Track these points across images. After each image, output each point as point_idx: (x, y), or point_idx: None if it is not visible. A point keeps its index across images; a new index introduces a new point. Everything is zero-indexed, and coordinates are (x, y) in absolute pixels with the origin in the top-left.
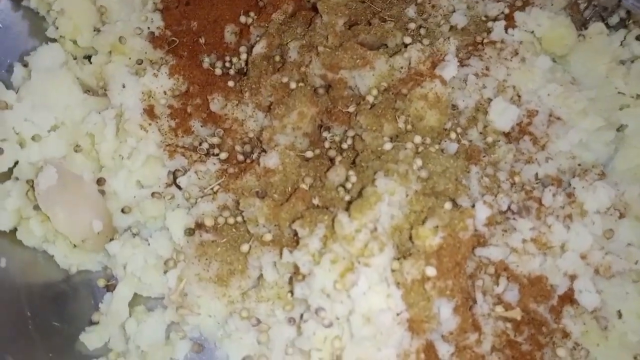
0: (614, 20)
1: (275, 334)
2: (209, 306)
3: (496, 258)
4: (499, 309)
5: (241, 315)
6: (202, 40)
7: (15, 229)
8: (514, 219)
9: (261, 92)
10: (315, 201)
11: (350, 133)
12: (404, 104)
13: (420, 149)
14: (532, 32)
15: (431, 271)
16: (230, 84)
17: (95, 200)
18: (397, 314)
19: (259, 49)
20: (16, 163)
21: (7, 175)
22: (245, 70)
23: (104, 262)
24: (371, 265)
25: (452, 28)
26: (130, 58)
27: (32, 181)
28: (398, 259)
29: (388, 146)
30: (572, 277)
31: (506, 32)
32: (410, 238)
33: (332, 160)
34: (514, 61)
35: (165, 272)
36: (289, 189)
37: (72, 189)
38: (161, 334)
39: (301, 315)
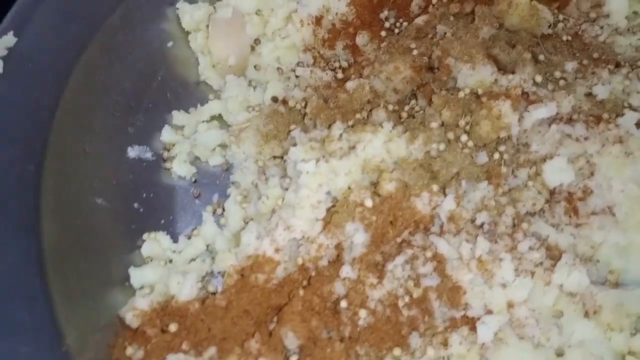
0: None
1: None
2: (248, 147)
3: (441, 250)
4: (409, 283)
5: (258, 163)
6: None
7: (189, 33)
8: (479, 235)
9: (395, 46)
10: (350, 122)
11: (426, 108)
12: (475, 109)
13: (456, 143)
14: None
15: (368, 202)
16: (383, 33)
17: (244, 49)
18: (318, 202)
19: (420, 20)
20: None
21: (212, 1)
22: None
23: (221, 86)
24: (329, 162)
25: (589, 95)
26: None
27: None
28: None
29: (434, 125)
30: (487, 311)
31: (637, 128)
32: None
33: (400, 118)
34: (615, 147)
35: (245, 110)
36: (345, 108)
37: (235, 31)
38: (213, 144)
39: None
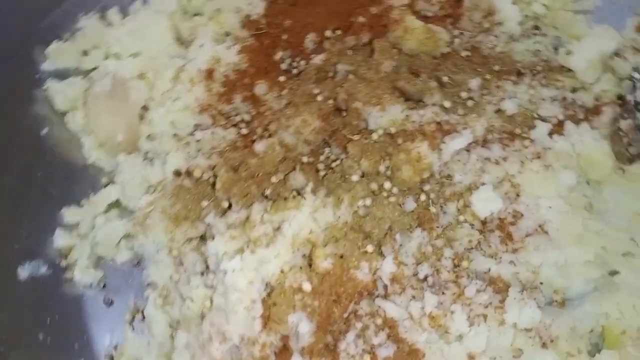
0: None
1: (183, 280)
2: (157, 235)
3: (390, 314)
4: (366, 357)
5: (172, 253)
6: (285, 37)
7: (65, 114)
8: (425, 289)
9: (297, 94)
10: (267, 192)
11: (343, 157)
12: (393, 152)
13: (380, 194)
14: (573, 145)
15: (306, 286)
16: (281, 79)
17: (130, 120)
18: (252, 301)
19: (318, 60)
20: (94, 69)
21: (84, 74)
22: None
23: (114, 167)
24: (255, 253)
25: (498, 111)
26: (221, 28)
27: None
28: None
29: (355, 178)
30: None
31: (550, 137)
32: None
33: (317, 171)
34: (534, 163)
35: (145, 193)
36: (258, 174)
37: (118, 103)
38: (116, 237)
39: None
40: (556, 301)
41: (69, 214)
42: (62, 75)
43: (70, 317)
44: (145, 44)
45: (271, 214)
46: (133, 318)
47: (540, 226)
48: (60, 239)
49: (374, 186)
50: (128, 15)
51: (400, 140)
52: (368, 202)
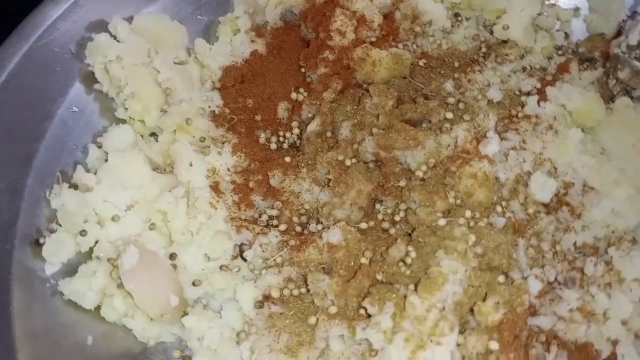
0: (638, 92)
1: None
2: None
3: (546, 327)
4: None
5: None
6: (257, 117)
7: (99, 307)
8: (560, 289)
9: (317, 167)
10: (379, 276)
11: (403, 206)
12: (453, 181)
13: (471, 224)
14: (563, 105)
15: (494, 345)
16: (287, 159)
17: (170, 275)
18: None
19: (313, 126)
20: (96, 242)
21: (89, 254)
22: (297, 144)
23: (179, 333)
24: (443, 343)
25: (489, 102)
26: (194, 136)
27: (114, 260)
28: (461, 332)
29: (442, 222)
30: (614, 343)
31: (539, 105)
32: (472, 312)
33: (385, 231)
34: (548, 134)
35: (237, 343)
36: (352, 263)
37: (150, 266)
38: None
39: None
40: (629, 241)
41: None
42: (70, 271)
43: None
44: (132, 190)
45: (426, 298)
46: None
47: (584, 185)
48: None
49: (462, 221)
50: (95, 169)
51: (454, 168)
52: (473, 238)
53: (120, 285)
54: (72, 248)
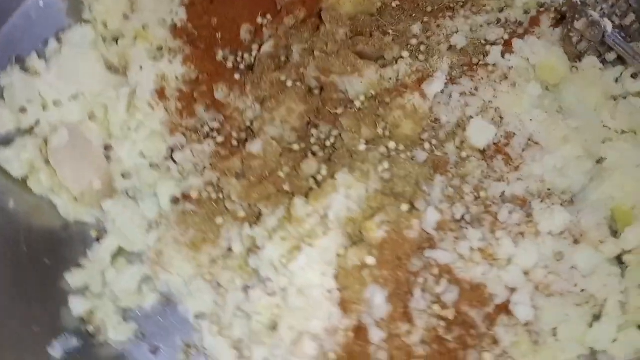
0: (611, 56)
1: (231, 298)
2: (180, 267)
3: (442, 261)
4: (436, 308)
5: (205, 278)
6: (219, 35)
7: (27, 177)
8: (466, 228)
9: (261, 86)
10: (286, 187)
11: (334, 132)
12: (385, 112)
13: (392, 154)
14: (527, 59)
15: (370, 260)
16: (237, 76)
17: (99, 163)
18: (328, 291)
19: (267, 48)
20: (37, 122)
21: (29, 132)
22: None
23: (99, 216)
24: (314, 245)
25: (451, 47)
26: (152, 44)
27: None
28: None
29: (362, 147)
30: (512, 290)
31: (503, 57)
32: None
33: (314, 154)
34: (503, 84)
35: (147, 231)
36: (267, 174)
37: (81, 150)
38: (135, 285)
39: None
40: (566, 201)
41: (74, 278)
42: (6, 141)
43: None
44: (80, 83)
45: (313, 204)
46: (188, 357)
47: (529, 139)
48: (77, 306)
49: (382, 150)
50: (49, 58)
51: (388, 99)
52: (386, 165)
53: (48, 162)
54: (13, 123)
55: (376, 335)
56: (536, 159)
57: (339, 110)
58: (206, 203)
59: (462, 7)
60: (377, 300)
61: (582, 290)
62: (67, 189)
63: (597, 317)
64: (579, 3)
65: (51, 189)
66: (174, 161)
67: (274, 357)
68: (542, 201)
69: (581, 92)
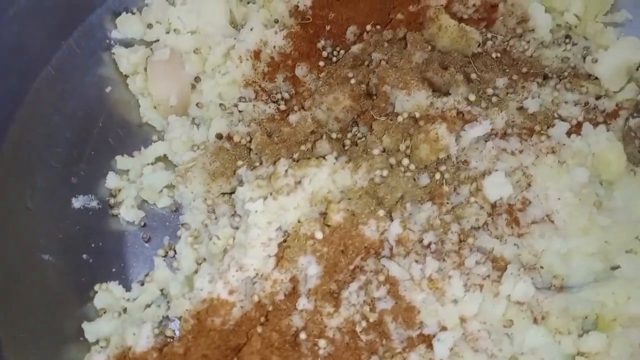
0: None
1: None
2: (195, 186)
3: (393, 273)
4: (365, 308)
5: (207, 202)
6: (328, 28)
7: (128, 76)
8: (426, 254)
9: (333, 76)
10: (295, 156)
11: (368, 134)
12: (413, 133)
13: (398, 168)
14: (589, 146)
15: (318, 235)
16: (321, 63)
17: (183, 88)
18: (269, 239)
19: (355, 49)
20: (156, 40)
21: (146, 44)
22: None
23: (164, 127)
24: (276, 199)
25: (521, 109)
26: (271, 15)
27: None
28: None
29: (376, 152)
30: (442, 328)
31: (568, 136)
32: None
33: (344, 147)
34: (549, 157)
35: (187, 150)
36: (289, 141)
37: (173, 71)
38: (160, 185)
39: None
40: (554, 286)
41: (122, 161)
42: (128, 43)
43: (112, 246)
44: (202, 23)
45: (295, 169)
46: (166, 254)
47: (547, 215)
48: (111, 181)
49: (392, 161)
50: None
51: (422, 123)
52: (385, 173)
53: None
54: (139, 33)
55: (303, 303)
56: (545, 236)
57: (382, 118)
58: (239, 147)
59: (559, 79)
60: (310, 271)
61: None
62: (151, 96)
63: None
64: None
65: (142, 92)
66: (239, 110)
67: (211, 275)
68: (519, 269)
69: (633, 198)
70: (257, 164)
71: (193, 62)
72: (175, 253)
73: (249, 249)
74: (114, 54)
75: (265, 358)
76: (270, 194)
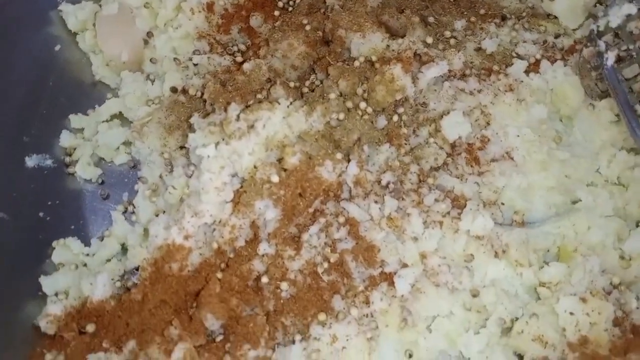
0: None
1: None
2: (152, 141)
3: (352, 214)
4: (327, 250)
5: (164, 156)
6: None
7: (77, 34)
8: (385, 194)
9: (288, 24)
10: (250, 103)
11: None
12: (370, 75)
13: (355, 111)
14: (547, 83)
15: (274, 178)
16: (276, 13)
17: (135, 43)
18: (224, 184)
19: None
20: None
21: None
22: None
23: (118, 84)
24: (229, 144)
25: (479, 50)
26: None
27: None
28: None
29: (332, 96)
30: (403, 265)
31: (527, 75)
32: None
33: (301, 93)
34: (507, 95)
35: (142, 106)
36: (244, 90)
37: (123, 26)
38: (116, 143)
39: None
40: (515, 221)
41: (76, 120)
42: (75, 0)
43: (70, 203)
44: None
45: (247, 114)
46: (125, 210)
47: (507, 153)
48: (65, 139)
49: (349, 104)
50: None
51: (378, 65)
52: (341, 116)
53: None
54: None
55: (264, 248)
56: (505, 173)
57: (339, 64)
58: (194, 100)
59: (517, 20)
60: (269, 215)
61: (474, 296)
62: (103, 53)
63: (479, 326)
64: (596, 31)
65: (92, 49)
66: (194, 63)
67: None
68: (479, 205)
69: (592, 131)
70: (210, 112)
71: (144, 16)
72: (134, 208)
73: (203, 194)
74: (61, 11)
75: (225, 301)
76: (223, 139)
